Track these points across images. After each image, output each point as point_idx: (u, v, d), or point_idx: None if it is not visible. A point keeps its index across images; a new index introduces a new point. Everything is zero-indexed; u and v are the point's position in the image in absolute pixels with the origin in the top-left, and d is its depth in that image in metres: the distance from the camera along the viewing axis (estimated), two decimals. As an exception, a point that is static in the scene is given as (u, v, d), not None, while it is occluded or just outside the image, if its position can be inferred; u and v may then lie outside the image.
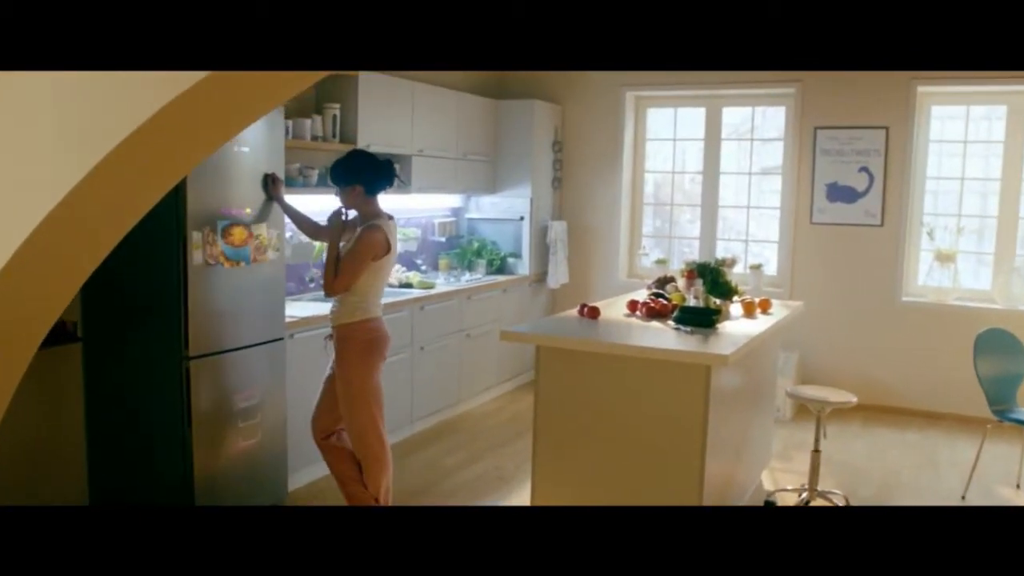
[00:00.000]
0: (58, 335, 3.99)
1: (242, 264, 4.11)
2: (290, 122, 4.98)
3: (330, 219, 3.94)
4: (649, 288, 5.04)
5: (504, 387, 6.86)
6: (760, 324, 4.24)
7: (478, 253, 6.89)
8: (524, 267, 7.04)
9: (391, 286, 5.89)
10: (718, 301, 4.48)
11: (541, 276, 7.21)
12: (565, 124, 7.45)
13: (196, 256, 3.85)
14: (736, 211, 7.25)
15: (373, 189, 3.89)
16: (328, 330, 3.99)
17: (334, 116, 5.30)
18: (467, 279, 6.44)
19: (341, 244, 3.88)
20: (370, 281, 3.82)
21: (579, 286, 7.45)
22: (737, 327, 4.11)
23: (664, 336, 3.84)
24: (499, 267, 6.98)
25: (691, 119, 7.29)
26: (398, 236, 6.32)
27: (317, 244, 5.12)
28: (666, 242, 7.50)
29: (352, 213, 3.94)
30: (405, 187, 5.29)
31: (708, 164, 7.19)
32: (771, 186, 7.11)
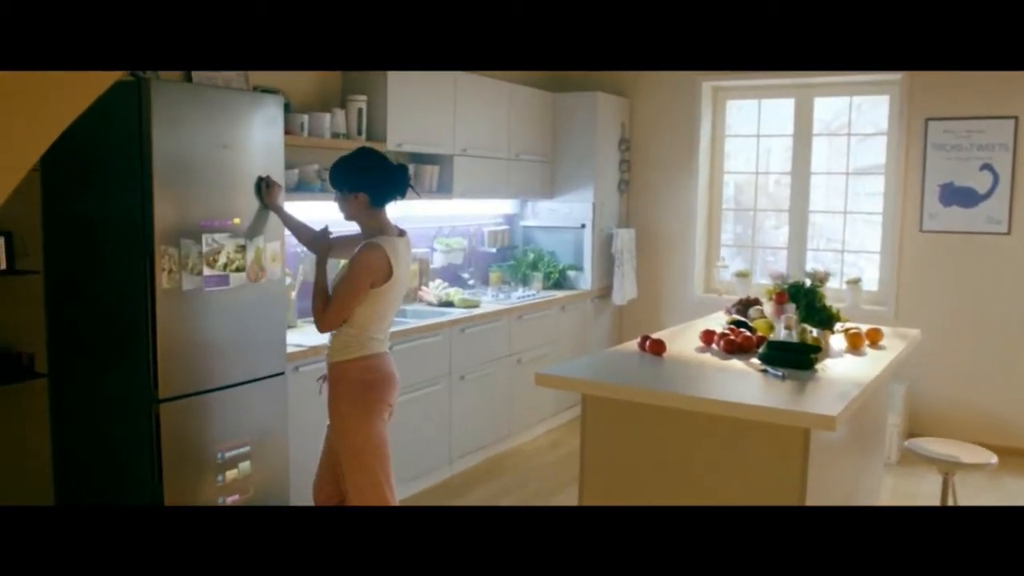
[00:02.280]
0: (14, 370, 3.36)
1: (234, 286, 3.41)
2: (306, 117, 4.29)
3: (318, 237, 3.25)
4: (728, 312, 4.18)
5: (561, 417, 6.05)
6: (871, 363, 3.34)
7: (534, 266, 6.11)
8: (586, 281, 6.22)
9: (429, 304, 5.16)
10: (815, 332, 3.62)
11: (605, 291, 6.38)
12: (633, 119, 6.61)
13: (169, 278, 3.16)
14: (827, 217, 6.30)
15: (380, 199, 3.14)
16: (324, 368, 3.25)
17: (359, 110, 4.58)
18: (519, 296, 5.66)
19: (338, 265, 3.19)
20: (370, 310, 3.07)
21: (648, 303, 6.60)
22: (842, 368, 3.22)
23: (748, 383, 2.98)
24: (557, 281, 6.18)
25: (777, 112, 6.37)
26: (440, 247, 5.64)
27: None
28: (747, 252, 6.59)
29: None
30: (418, 196, 4.32)
31: (797, 163, 6.25)
32: (866, 187, 6.15)
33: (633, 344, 3.54)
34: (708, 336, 3.57)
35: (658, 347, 3.38)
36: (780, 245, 6.44)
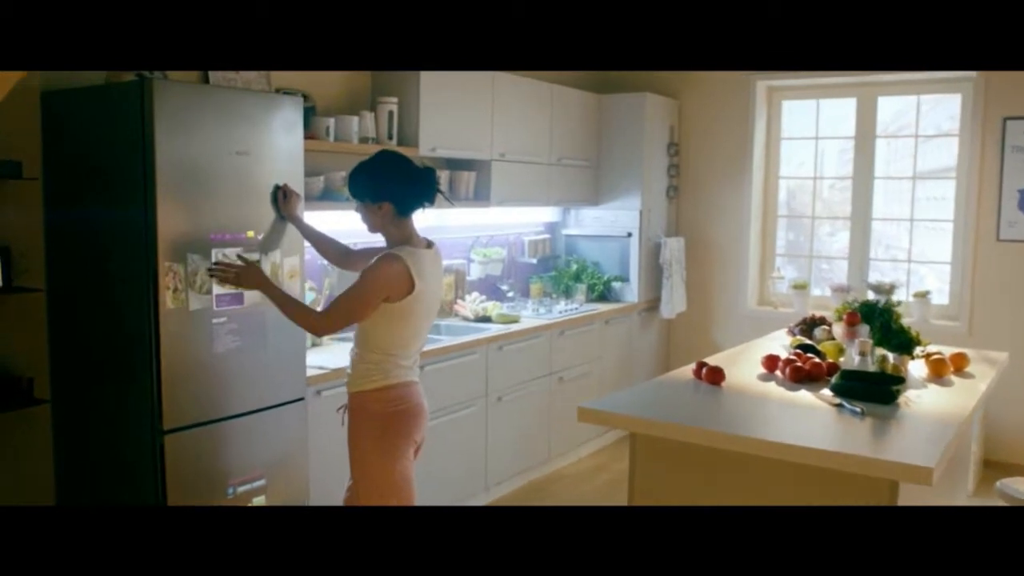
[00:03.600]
0: (13, 396, 3.10)
1: (248, 305, 3.12)
2: (332, 120, 4.01)
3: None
4: (791, 333, 3.80)
5: (606, 438, 5.69)
6: (960, 396, 2.94)
7: (577, 277, 5.77)
8: (632, 293, 5.86)
9: (465, 319, 4.84)
10: (891, 357, 3.22)
11: (653, 304, 6.01)
12: (683, 121, 6.24)
13: (174, 298, 2.88)
14: (887, 224, 5.86)
15: (406, 207, 2.82)
16: (345, 396, 2.94)
17: (390, 113, 4.28)
18: (561, 309, 5.31)
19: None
20: (393, 330, 2.74)
21: (699, 316, 6.21)
22: (928, 402, 2.83)
23: (821, 421, 2.60)
24: (602, 293, 5.83)
25: (836, 112, 5.95)
26: (477, 258, 5.32)
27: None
28: (800, 261, 6.17)
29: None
30: (451, 204, 3.84)
31: (859, 167, 5.83)
32: (929, 192, 5.70)
33: (687, 371, 3.18)
34: (771, 362, 3.20)
35: (716, 376, 3.01)
36: (835, 254, 6.03)
